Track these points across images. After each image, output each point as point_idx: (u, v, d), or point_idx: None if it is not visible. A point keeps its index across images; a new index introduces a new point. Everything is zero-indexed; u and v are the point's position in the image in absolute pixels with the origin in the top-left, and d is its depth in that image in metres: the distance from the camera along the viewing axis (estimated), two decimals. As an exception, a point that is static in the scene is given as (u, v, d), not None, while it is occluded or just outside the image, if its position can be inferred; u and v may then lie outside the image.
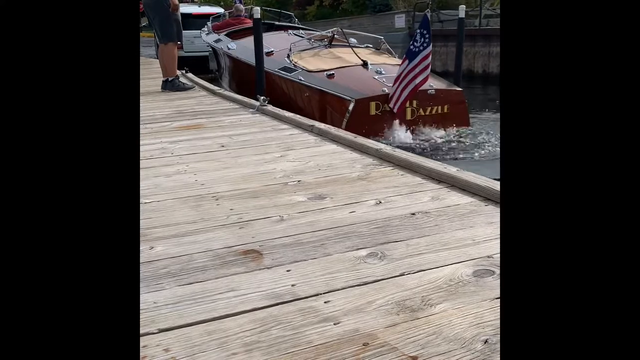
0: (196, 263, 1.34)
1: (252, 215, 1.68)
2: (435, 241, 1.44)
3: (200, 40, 9.93)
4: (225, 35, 8.01)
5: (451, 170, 2.00)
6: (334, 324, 1.04)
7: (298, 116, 3.42)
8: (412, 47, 4.71)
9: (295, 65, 5.69)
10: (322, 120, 4.13)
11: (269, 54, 5.98)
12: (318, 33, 7.07)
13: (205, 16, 11.39)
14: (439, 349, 0.95)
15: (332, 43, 6.34)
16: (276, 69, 5.83)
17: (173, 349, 0.98)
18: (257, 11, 5.75)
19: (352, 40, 6.51)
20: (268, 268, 1.30)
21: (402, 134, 4.98)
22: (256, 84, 5.66)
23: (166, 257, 1.37)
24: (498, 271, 1.25)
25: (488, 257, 1.33)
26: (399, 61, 5.77)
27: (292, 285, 1.20)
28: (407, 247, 1.40)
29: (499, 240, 1.42)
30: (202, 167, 2.35)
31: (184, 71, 6.78)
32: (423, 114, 5.14)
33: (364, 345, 0.97)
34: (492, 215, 1.61)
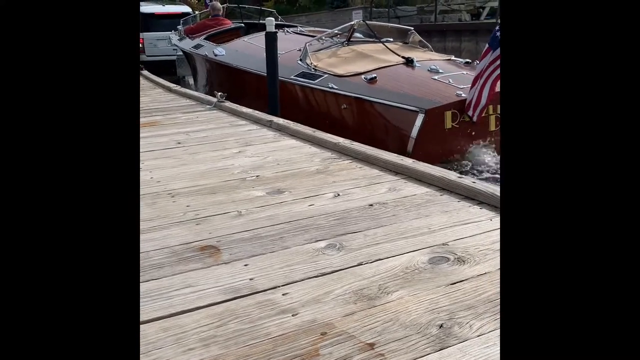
0: (152, 260, 1.31)
1: (209, 212, 1.66)
2: (392, 231, 1.45)
3: (164, 43, 8.76)
4: (205, 39, 6.69)
5: (407, 161, 2.03)
6: (292, 315, 1.04)
7: (256, 112, 3.39)
8: (498, 33, 3.45)
9: (316, 70, 4.49)
10: (371, 140, 2.79)
11: None
12: (329, 30, 5.56)
13: (170, 16, 10.07)
14: (395, 335, 0.97)
15: (351, 39, 5.04)
16: (292, 76, 4.58)
17: (128, 347, 0.95)
18: (270, 22, 4.48)
19: (359, 35, 5.24)
20: (226, 263, 1.29)
21: (487, 151, 3.70)
22: (269, 98, 4.40)
23: (120, 256, 1.34)
24: (453, 257, 1.27)
25: (443, 244, 1.35)
26: (446, 56, 4.64)
27: (250, 279, 1.20)
28: (364, 237, 1.42)
29: (454, 228, 1.45)
30: (158, 164, 2.31)
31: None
32: None
33: (322, 334, 0.98)
34: (447, 204, 1.65)
